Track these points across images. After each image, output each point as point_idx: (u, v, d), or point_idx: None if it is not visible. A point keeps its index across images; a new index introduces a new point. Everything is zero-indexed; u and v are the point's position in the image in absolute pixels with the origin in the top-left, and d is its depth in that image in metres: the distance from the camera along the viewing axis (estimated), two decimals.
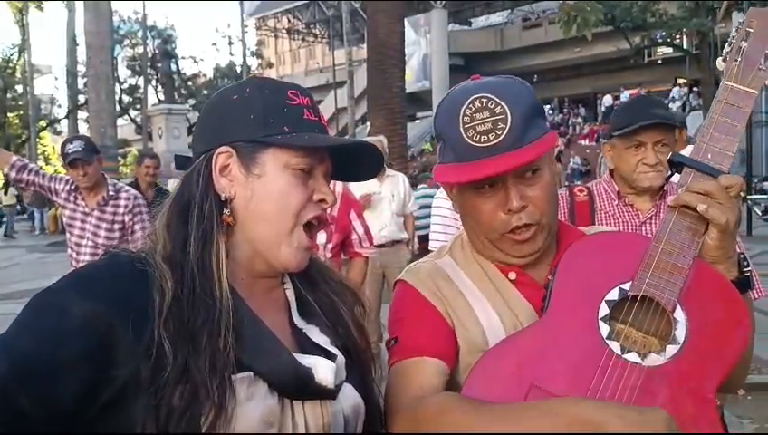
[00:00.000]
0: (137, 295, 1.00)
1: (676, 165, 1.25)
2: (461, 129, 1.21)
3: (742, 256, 1.27)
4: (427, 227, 3.25)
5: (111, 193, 4.16)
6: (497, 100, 1.20)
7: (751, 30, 1.24)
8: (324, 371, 1.07)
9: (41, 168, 4.43)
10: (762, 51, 1.23)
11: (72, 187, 4.18)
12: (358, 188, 6.09)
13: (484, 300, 1.28)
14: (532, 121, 1.22)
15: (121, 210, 4.17)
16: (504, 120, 1.19)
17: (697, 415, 1.10)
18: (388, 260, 5.85)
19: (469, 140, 1.20)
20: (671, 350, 1.14)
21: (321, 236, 3.43)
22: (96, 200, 4.16)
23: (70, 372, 0.94)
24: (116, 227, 4.15)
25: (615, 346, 1.15)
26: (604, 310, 1.18)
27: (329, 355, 1.11)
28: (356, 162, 1.21)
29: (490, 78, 1.29)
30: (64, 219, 4.24)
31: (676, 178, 1.30)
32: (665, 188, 2.30)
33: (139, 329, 0.97)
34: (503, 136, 1.19)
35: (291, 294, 1.18)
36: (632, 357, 1.14)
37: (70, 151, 4.06)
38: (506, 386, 1.12)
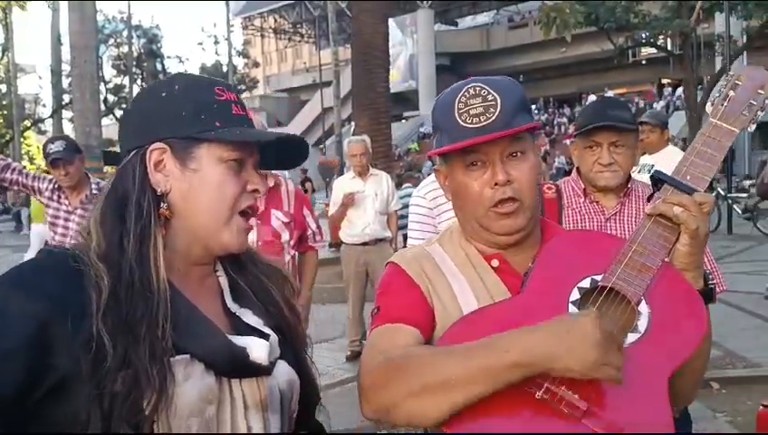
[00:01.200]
0: (73, 292, 1.04)
1: (657, 181, 1.37)
2: (455, 114, 1.33)
3: (708, 271, 1.39)
4: None
5: (95, 192, 4.18)
6: (489, 89, 1.33)
7: (739, 83, 1.41)
8: (258, 349, 1.14)
9: (24, 167, 4.43)
10: (746, 101, 1.39)
11: (56, 186, 4.20)
12: (341, 188, 6.18)
13: (464, 283, 1.37)
14: (519, 113, 1.33)
15: None
16: (495, 106, 1.31)
17: (648, 398, 1.18)
18: (372, 258, 5.96)
19: (462, 123, 1.32)
20: (632, 337, 1.24)
21: (285, 235, 3.46)
22: (79, 199, 4.19)
23: (8, 364, 0.98)
24: None
25: None
26: (575, 295, 1.28)
27: (262, 335, 1.18)
28: (283, 152, 1.28)
29: (484, 77, 1.40)
30: (48, 219, 4.26)
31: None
32: (629, 186, 2.40)
33: (77, 324, 1.01)
34: (493, 118, 1.30)
35: (224, 281, 1.24)
36: None
37: (51, 151, 4.10)
38: None
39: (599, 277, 1.29)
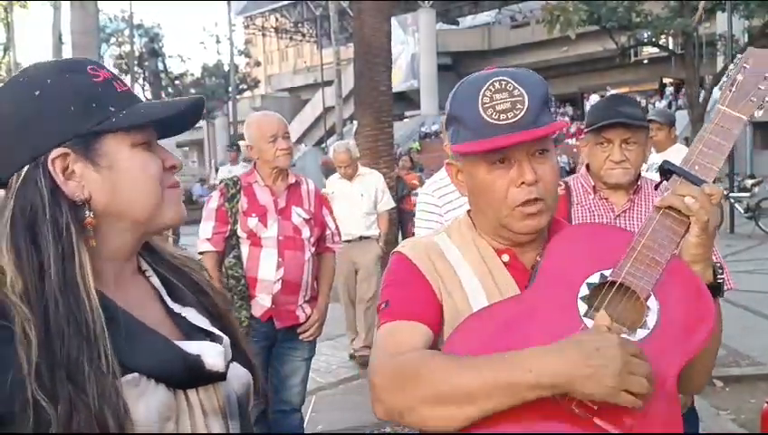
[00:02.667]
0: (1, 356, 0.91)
1: (666, 172, 1.36)
2: (480, 108, 1.29)
3: (718, 264, 1.38)
4: None
5: None
6: (515, 84, 1.29)
7: (747, 66, 1.39)
8: (213, 356, 1.06)
9: None
10: (755, 85, 1.37)
11: None
12: (327, 186, 6.27)
13: (473, 277, 1.36)
14: (544, 108, 1.31)
15: None
16: (522, 102, 1.28)
17: (657, 395, 1.17)
18: (356, 254, 6.03)
19: (489, 118, 1.28)
20: (641, 333, 1.24)
21: (306, 231, 3.48)
22: None
23: None
24: None
25: (590, 323, 1.23)
26: (584, 290, 1.27)
27: (213, 338, 1.11)
28: (178, 120, 1.15)
29: (507, 68, 1.38)
30: None
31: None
32: (639, 184, 2.39)
33: (10, 387, 0.89)
34: (521, 115, 1.27)
35: (156, 281, 1.15)
36: None
37: None
38: (484, 349, 1.20)
39: (608, 272, 1.28)
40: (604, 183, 2.38)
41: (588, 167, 2.45)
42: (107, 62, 33.08)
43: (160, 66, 34.10)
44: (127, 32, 31.38)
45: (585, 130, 2.42)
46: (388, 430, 4.41)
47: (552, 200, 1.34)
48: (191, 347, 1.05)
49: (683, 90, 24.37)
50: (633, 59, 29.60)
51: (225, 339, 1.12)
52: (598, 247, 1.34)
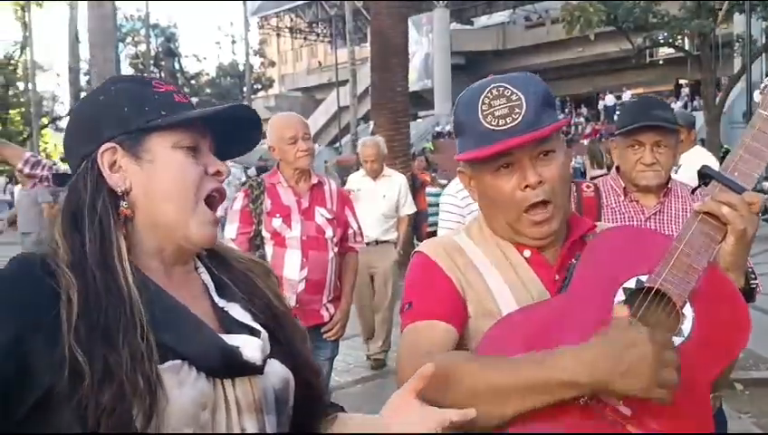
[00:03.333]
0: (45, 304, 0.99)
1: (705, 176, 1.34)
2: (480, 115, 1.31)
3: (750, 269, 1.39)
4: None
5: None
6: (513, 89, 1.30)
7: None
8: (251, 348, 1.10)
9: (54, 163, 4.45)
10: None
11: None
12: (350, 184, 6.10)
13: (496, 272, 1.36)
14: (544, 110, 1.31)
15: None
16: (520, 106, 1.29)
17: (691, 403, 1.18)
18: (372, 259, 5.73)
19: (488, 125, 1.30)
20: (676, 341, 1.22)
21: (329, 231, 3.51)
22: None
23: None
24: None
25: None
26: (620, 295, 1.27)
27: (253, 332, 1.14)
28: (238, 135, 1.23)
29: (506, 75, 1.38)
30: None
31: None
32: (669, 186, 2.39)
33: (51, 340, 0.97)
34: (519, 120, 1.28)
35: (206, 276, 1.20)
36: None
37: None
38: (517, 353, 1.20)
39: (644, 277, 1.27)
40: (635, 185, 2.38)
41: (618, 169, 2.45)
42: (123, 61, 33.30)
43: (176, 66, 34.27)
44: (143, 31, 31.56)
45: (616, 132, 2.42)
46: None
47: (562, 199, 1.34)
48: (230, 339, 1.10)
49: (698, 91, 24.20)
50: (648, 60, 29.45)
51: (264, 333, 1.15)
52: (635, 251, 1.33)
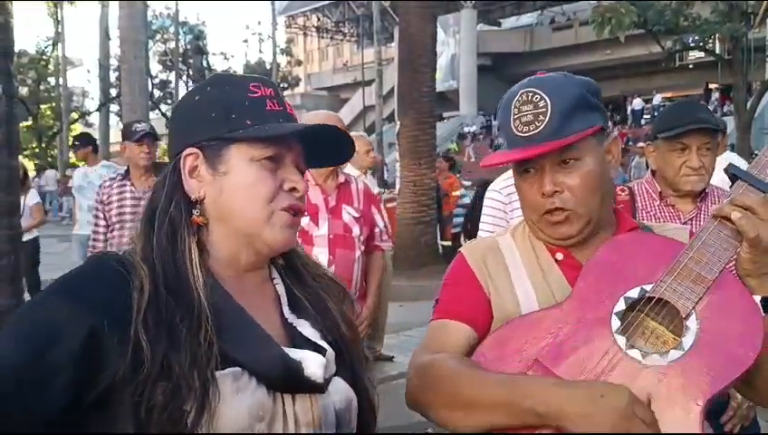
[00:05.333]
0: (118, 297, 1.00)
1: (733, 177, 1.29)
2: (511, 119, 1.33)
3: None
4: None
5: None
6: (542, 94, 1.31)
7: None
8: (314, 365, 1.07)
9: (96, 217, 4.32)
10: None
11: (118, 179, 4.29)
12: None
13: (525, 275, 1.38)
14: (574, 115, 1.30)
15: None
16: (545, 114, 1.29)
17: (683, 420, 1.12)
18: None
19: (515, 130, 1.32)
20: (674, 354, 1.17)
21: (356, 229, 3.51)
22: (147, 184, 4.22)
23: (54, 380, 0.94)
24: None
25: (621, 340, 1.20)
26: (620, 305, 1.23)
27: (318, 349, 1.11)
28: (329, 146, 1.20)
29: (546, 74, 1.38)
30: (113, 218, 4.21)
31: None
32: (706, 191, 2.34)
33: (121, 330, 0.98)
34: (540, 128, 1.29)
35: (281, 288, 1.19)
36: (635, 354, 1.18)
37: (138, 129, 4.32)
38: (513, 356, 1.23)
39: (648, 287, 1.23)
40: (676, 190, 2.32)
41: (654, 173, 2.40)
42: (152, 58, 33.65)
43: (204, 63, 34.54)
44: (172, 29, 31.87)
45: (660, 136, 2.35)
46: (430, 431, 4.40)
47: (585, 207, 1.31)
48: (294, 353, 1.08)
49: (729, 95, 23.89)
50: (678, 63, 29.11)
51: (330, 352, 1.13)
52: (644, 258, 1.27)
